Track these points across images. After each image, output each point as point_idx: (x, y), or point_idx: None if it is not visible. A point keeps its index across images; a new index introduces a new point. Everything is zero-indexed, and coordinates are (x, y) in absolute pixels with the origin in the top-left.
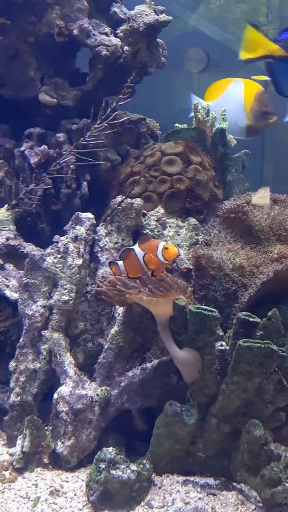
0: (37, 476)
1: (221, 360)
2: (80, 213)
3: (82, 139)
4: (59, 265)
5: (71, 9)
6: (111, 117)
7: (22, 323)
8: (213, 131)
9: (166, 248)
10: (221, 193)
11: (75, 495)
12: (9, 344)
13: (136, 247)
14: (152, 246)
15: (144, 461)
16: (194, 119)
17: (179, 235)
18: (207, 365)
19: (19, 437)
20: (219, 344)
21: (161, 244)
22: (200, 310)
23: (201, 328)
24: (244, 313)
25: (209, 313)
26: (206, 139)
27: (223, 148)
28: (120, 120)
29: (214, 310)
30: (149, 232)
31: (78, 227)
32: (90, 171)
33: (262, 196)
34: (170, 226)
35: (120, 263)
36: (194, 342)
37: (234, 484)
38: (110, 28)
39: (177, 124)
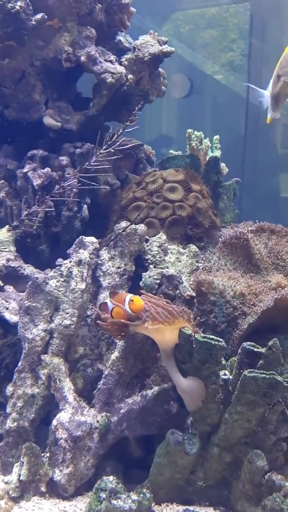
0: (34, 506)
1: (223, 389)
2: (83, 237)
3: (87, 163)
4: (61, 289)
5: (80, 36)
6: (117, 143)
7: (19, 346)
8: (207, 159)
9: (132, 300)
10: (219, 221)
11: None
12: (4, 367)
13: (108, 301)
14: (120, 300)
15: (144, 490)
16: (188, 147)
17: (180, 261)
18: (211, 394)
19: (15, 464)
20: (222, 373)
21: (128, 297)
22: (206, 339)
23: (207, 358)
24: (248, 343)
25: (216, 342)
26: (199, 167)
27: (216, 176)
28: (127, 146)
29: (221, 339)
30: (151, 258)
31: (81, 251)
32: (89, 194)
33: None
34: (171, 253)
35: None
36: (199, 371)
37: None
38: (115, 56)
39: (171, 151)
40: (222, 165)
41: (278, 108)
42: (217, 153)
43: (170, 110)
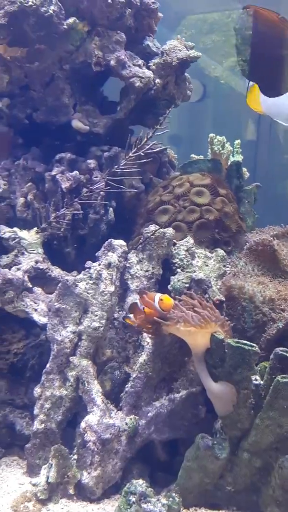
0: (62, 508)
1: (254, 394)
2: (113, 240)
3: (116, 166)
4: (91, 291)
5: (110, 41)
6: (147, 147)
7: (45, 347)
8: (229, 163)
9: (161, 299)
10: (245, 226)
11: None
12: (29, 368)
13: (138, 302)
14: (150, 299)
15: (173, 494)
16: (209, 151)
17: (207, 265)
18: (242, 399)
19: (43, 466)
20: (253, 378)
21: (157, 297)
22: (239, 345)
23: (239, 363)
24: (281, 348)
25: (249, 347)
26: (221, 171)
27: (238, 180)
28: (155, 150)
29: (254, 345)
30: (179, 262)
31: (110, 253)
32: (115, 198)
33: None
34: (198, 257)
35: (131, 316)
36: (231, 376)
37: None
38: (143, 60)
39: (193, 155)
40: (244, 169)
41: None
42: (239, 158)
43: (180, 113)
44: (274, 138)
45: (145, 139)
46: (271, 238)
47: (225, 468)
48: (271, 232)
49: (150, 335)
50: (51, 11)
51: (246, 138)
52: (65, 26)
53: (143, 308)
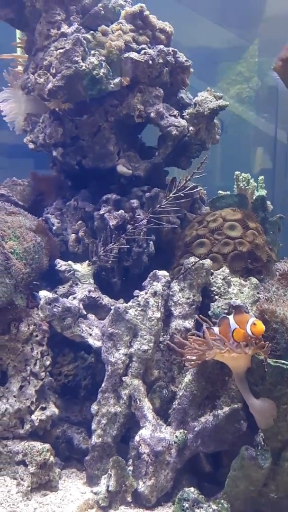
0: None
1: None
2: (157, 271)
3: (158, 205)
4: (139, 317)
5: (150, 96)
6: (187, 189)
7: (98, 368)
8: (254, 198)
9: (255, 324)
10: (275, 255)
11: None
12: (83, 388)
13: (231, 318)
14: (243, 320)
15: (222, 501)
16: (235, 187)
17: (242, 293)
18: (282, 414)
19: (103, 476)
20: None
21: (251, 320)
22: (278, 364)
23: (279, 380)
24: None
25: (287, 366)
26: (247, 205)
27: (263, 213)
28: (193, 191)
29: None
30: (216, 289)
31: (155, 283)
32: (154, 232)
33: None
34: (234, 285)
35: (216, 329)
36: (271, 393)
37: None
38: (178, 111)
39: (220, 191)
40: (268, 203)
41: None
42: (263, 192)
43: None
44: None
45: (184, 182)
46: None
47: (268, 476)
48: None
49: (190, 363)
50: (101, 74)
51: (259, 167)
52: (112, 85)
53: (234, 329)
